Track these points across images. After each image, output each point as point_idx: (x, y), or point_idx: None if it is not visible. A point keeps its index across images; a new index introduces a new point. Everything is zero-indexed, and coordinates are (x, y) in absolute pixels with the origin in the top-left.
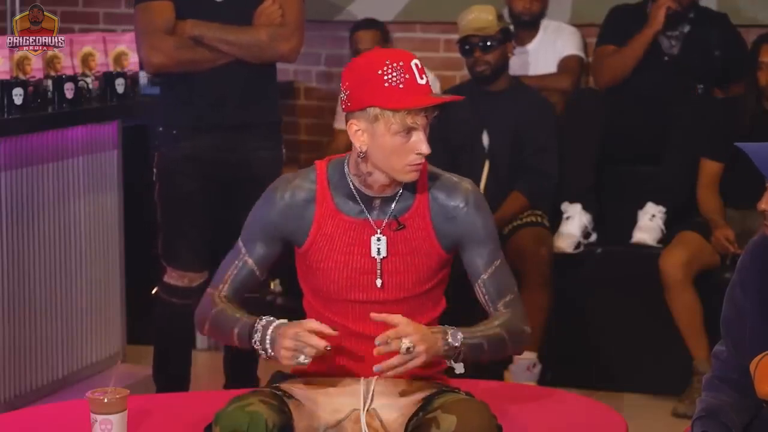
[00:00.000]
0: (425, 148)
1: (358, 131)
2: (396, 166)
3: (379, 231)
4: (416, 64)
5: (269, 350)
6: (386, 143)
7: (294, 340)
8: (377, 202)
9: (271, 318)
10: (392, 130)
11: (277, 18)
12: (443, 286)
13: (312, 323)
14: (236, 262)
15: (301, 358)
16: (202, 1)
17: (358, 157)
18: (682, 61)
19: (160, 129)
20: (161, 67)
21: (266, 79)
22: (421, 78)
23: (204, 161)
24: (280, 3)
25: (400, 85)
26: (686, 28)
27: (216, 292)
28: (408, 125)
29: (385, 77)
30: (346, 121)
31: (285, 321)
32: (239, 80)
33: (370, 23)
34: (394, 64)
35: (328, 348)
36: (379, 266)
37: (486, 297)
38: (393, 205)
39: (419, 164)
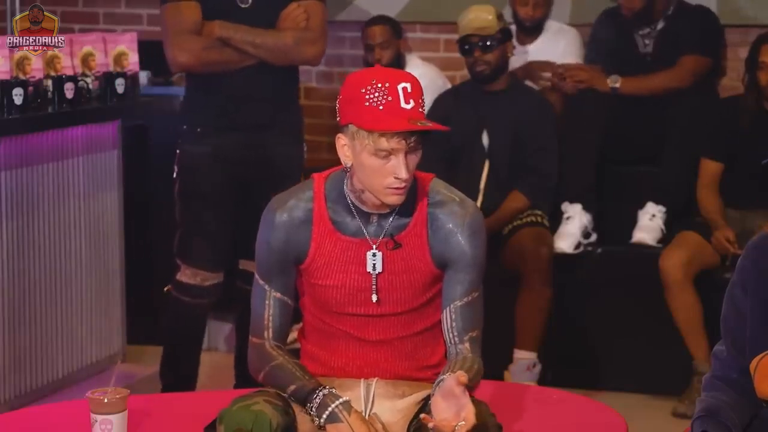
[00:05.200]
0: (403, 173)
1: (344, 146)
2: (376, 186)
3: (374, 247)
4: (405, 88)
5: (321, 421)
6: (364, 162)
7: None
8: (374, 217)
9: (334, 390)
10: (367, 150)
11: (302, 22)
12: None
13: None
14: (266, 302)
15: None
16: (227, 6)
17: (344, 170)
18: (657, 60)
19: (184, 127)
20: (187, 66)
21: (289, 82)
22: (407, 102)
23: (226, 160)
24: (304, 7)
25: (380, 107)
26: (660, 25)
27: (265, 342)
28: (382, 148)
29: (367, 96)
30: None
31: (349, 401)
32: (263, 82)
33: (381, 19)
34: (379, 85)
35: None
36: (374, 281)
37: (453, 324)
38: (390, 221)
39: (399, 188)
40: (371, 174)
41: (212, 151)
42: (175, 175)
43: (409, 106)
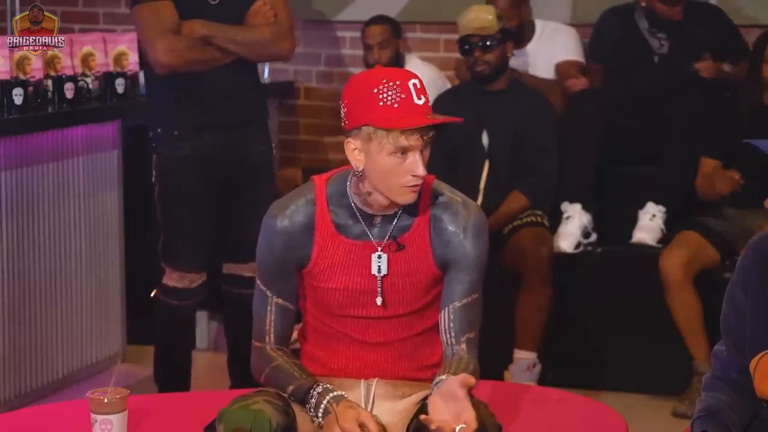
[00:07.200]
0: (421, 170)
1: (355, 150)
2: (392, 187)
3: (379, 249)
4: (415, 84)
5: (320, 419)
6: (381, 163)
7: None
8: (378, 219)
9: (329, 386)
10: (386, 150)
11: (271, 18)
12: None
13: (369, 421)
14: (268, 308)
15: None
16: (199, 4)
17: (355, 176)
18: (672, 61)
19: (159, 130)
20: (172, 67)
21: (256, 78)
22: (419, 98)
23: (204, 160)
24: (270, 4)
25: (395, 105)
26: (674, 26)
27: (266, 345)
28: (402, 146)
29: (380, 96)
30: (345, 139)
31: (342, 394)
32: (238, 80)
33: (380, 19)
34: (391, 83)
35: None
36: (379, 284)
37: (451, 325)
38: (394, 223)
39: (415, 186)
40: (388, 174)
41: (190, 152)
42: (153, 180)
43: (421, 102)
